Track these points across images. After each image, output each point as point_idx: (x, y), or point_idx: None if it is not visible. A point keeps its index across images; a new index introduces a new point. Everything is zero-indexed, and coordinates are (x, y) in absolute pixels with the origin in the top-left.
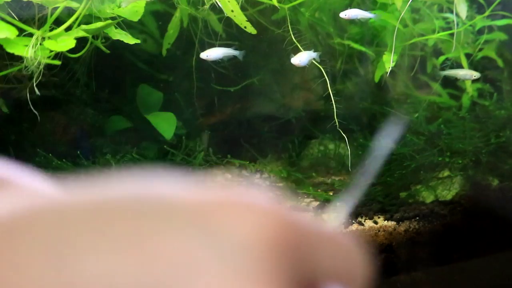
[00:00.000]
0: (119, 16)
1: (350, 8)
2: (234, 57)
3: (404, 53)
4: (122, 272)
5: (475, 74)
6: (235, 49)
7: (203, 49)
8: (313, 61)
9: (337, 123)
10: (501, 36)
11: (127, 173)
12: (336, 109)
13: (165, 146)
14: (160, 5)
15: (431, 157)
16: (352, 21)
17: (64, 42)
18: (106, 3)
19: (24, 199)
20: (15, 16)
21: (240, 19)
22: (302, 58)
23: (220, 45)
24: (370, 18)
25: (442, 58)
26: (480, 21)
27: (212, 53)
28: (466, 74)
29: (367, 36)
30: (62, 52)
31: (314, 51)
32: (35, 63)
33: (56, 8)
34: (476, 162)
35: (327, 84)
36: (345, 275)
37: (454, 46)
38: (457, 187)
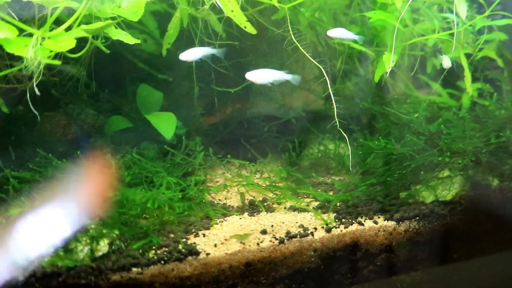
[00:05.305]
0: (119, 16)
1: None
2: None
3: (404, 53)
4: None
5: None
6: (214, 47)
7: None
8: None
9: (337, 123)
10: (501, 36)
11: None
12: (336, 109)
13: (165, 146)
14: (160, 5)
15: (431, 157)
16: (352, 21)
17: (64, 42)
18: (106, 3)
19: None
20: (15, 16)
21: (240, 19)
22: (259, 76)
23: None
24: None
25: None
26: (480, 21)
27: (191, 54)
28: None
29: (367, 36)
30: (62, 52)
31: (289, 73)
32: (35, 63)
33: (56, 8)
34: (476, 162)
35: (327, 84)
36: None
37: (454, 46)
38: (457, 187)
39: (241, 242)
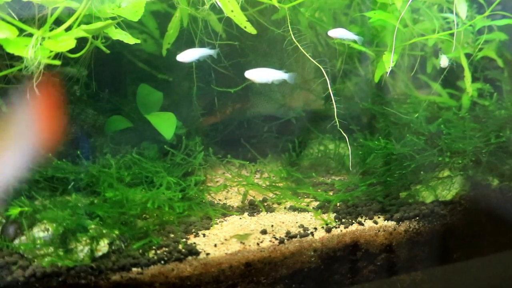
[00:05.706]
0: (119, 16)
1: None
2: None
3: (404, 53)
4: None
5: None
6: (210, 48)
7: None
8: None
9: (337, 123)
10: (501, 36)
11: None
12: (336, 109)
13: (165, 146)
14: (160, 5)
15: (431, 157)
16: (352, 21)
17: (64, 42)
18: (106, 3)
19: None
20: (15, 16)
21: (240, 19)
22: (258, 74)
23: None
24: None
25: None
26: (480, 21)
27: (188, 56)
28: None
29: (367, 36)
30: (62, 52)
31: (286, 72)
32: (35, 63)
33: (56, 8)
34: (476, 162)
35: (327, 84)
36: None
37: (454, 46)
38: (457, 187)
39: (241, 242)
